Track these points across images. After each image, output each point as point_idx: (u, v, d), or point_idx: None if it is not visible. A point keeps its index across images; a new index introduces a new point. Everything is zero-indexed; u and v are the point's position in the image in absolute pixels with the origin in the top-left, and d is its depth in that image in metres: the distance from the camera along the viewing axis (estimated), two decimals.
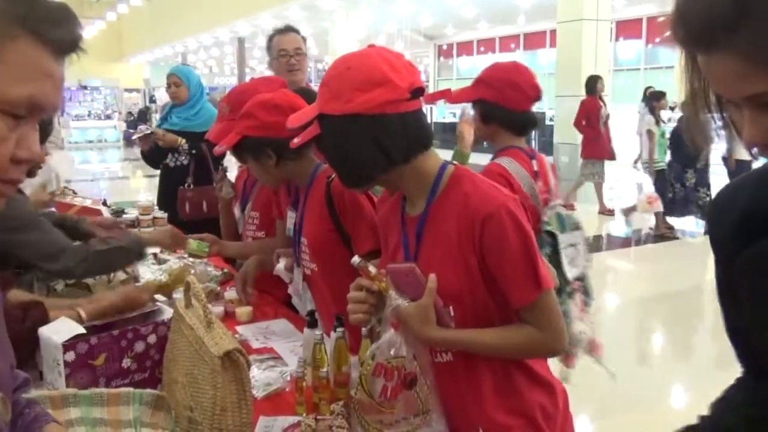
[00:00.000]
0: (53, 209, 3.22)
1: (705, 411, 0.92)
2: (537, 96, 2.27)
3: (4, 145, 0.68)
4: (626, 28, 17.57)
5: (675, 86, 8.76)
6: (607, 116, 8.69)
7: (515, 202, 1.27)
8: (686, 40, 0.67)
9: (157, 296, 2.23)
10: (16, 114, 0.68)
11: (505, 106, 2.25)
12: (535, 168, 2.32)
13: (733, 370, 0.91)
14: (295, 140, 1.39)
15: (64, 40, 0.71)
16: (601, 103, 8.69)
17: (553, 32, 13.70)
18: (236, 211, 2.73)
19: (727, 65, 0.64)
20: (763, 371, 0.89)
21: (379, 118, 1.24)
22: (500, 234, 1.23)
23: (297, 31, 3.17)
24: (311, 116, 1.31)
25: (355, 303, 1.34)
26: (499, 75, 2.27)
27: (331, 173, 1.88)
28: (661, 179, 7.38)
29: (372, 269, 1.33)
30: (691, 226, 7.79)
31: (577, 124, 8.82)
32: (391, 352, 1.28)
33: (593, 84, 8.68)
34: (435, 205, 1.32)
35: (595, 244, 7.73)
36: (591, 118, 8.58)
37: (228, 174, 2.90)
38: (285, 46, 3.06)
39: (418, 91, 1.28)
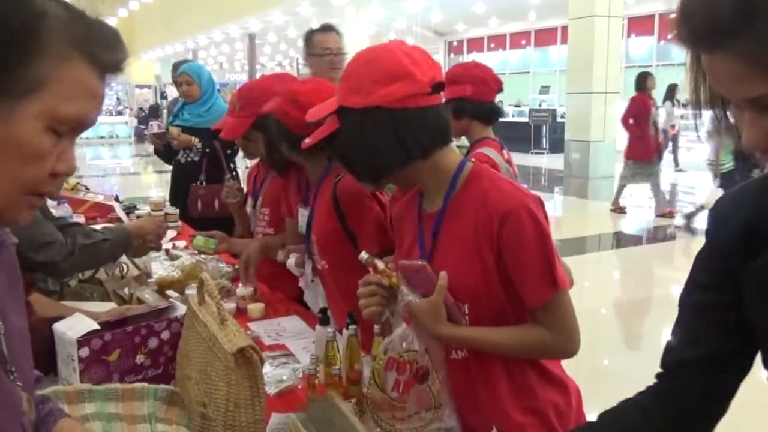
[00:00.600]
0: (65, 203, 3.23)
1: None
2: (500, 88, 2.59)
3: (48, 160, 0.70)
4: (638, 25, 17.49)
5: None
6: (657, 116, 8.24)
7: (534, 201, 1.25)
8: (689, 40, 0.67)
9: (170, 292, 2.25)
10: (60, 131, 0.70)
11: (473, 100, 2.51)
12: (506, 156, 2.51)
13: None
14: (307, 140, 1.38)
15: (111, 63, 0.74)
16: (652, 102, 8.12)
17: (565, 29, 13.66)
18: (248, 207, 2.74)
19: (729, 66, 0.64)
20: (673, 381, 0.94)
21: (399, 112, 1.23)
22: (518, 232, 1.21)
23: (338, 31, 3.22)
24: (330, 110, 1.30)
25: (366, 297, 1.32)
26: (467, 72, 2.55)
27: (340, 172, 1.87)
28: (728, 180, 6.89)
29: (380, 264, 1.32)
30: (701, 225, 7.74)
31: (624, 122, 8.20)
32: (403, 346, 1.27)
33: (643, 81, 8.01)
34: (453, 202, 1.31)
35: (607, 242, 7.71)
36: (639, 117, 7.96)
37: (239, 170, 2.90)
38: (330, 45, 3.11)
39: (439, 86, 1.27)
